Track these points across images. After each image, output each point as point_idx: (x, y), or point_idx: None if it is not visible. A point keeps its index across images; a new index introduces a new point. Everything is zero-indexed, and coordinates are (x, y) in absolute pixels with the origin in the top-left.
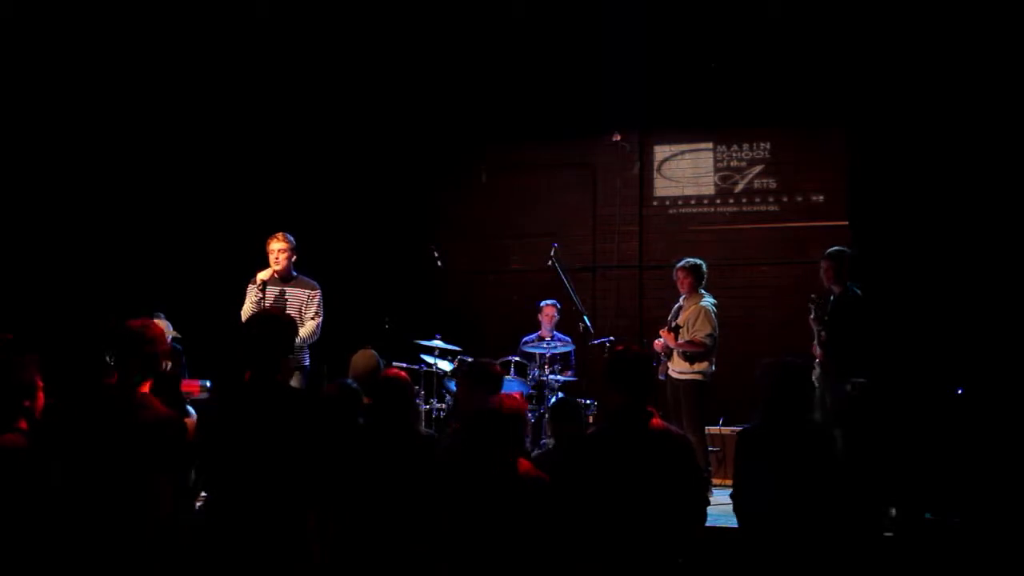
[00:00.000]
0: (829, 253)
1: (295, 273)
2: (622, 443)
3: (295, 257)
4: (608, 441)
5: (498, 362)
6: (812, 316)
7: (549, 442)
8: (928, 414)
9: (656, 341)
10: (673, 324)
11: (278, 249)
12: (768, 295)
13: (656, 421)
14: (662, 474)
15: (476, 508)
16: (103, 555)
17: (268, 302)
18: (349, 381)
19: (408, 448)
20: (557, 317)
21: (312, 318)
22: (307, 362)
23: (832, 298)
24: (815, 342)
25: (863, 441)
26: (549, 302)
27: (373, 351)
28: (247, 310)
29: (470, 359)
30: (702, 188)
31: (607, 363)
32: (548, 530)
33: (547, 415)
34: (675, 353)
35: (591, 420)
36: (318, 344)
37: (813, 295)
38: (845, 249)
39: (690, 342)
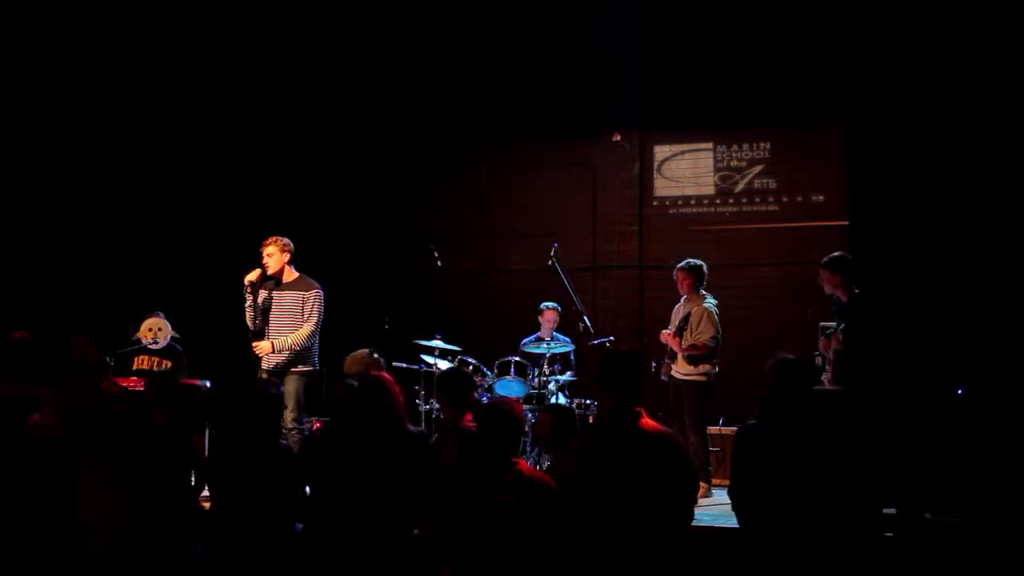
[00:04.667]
0: (827, 262)
1: (295, 273)
2: (613, 443)
3: (288, 258)
4: (599, 442)
5: (497, 362)
6: (831, 328)
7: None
8: (928, 414)
9: (663, 332)
10: (673, 328)
11: (266, 253)
12: (768, 295)
13: (645, 420)
14: (652, 472)
15: (481, 509)
16: None
17: (260, 303)
18: (354, 382)
19: (397, 447)
20: (558, 320)
21: (307, 320)
22: (315, 360)
23: (838, 304)
24: (821, 342)
25: (863, 441)
26: (551, 305)
27: (368, 352)
28: (247, 316)
29: (471, 359)
30: (702, 188)
31: (596, 364)
32: (552, 530)
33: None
34: (679, 355)
35: (591, 420)
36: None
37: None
38: (842, 255)
39: (693, 345)
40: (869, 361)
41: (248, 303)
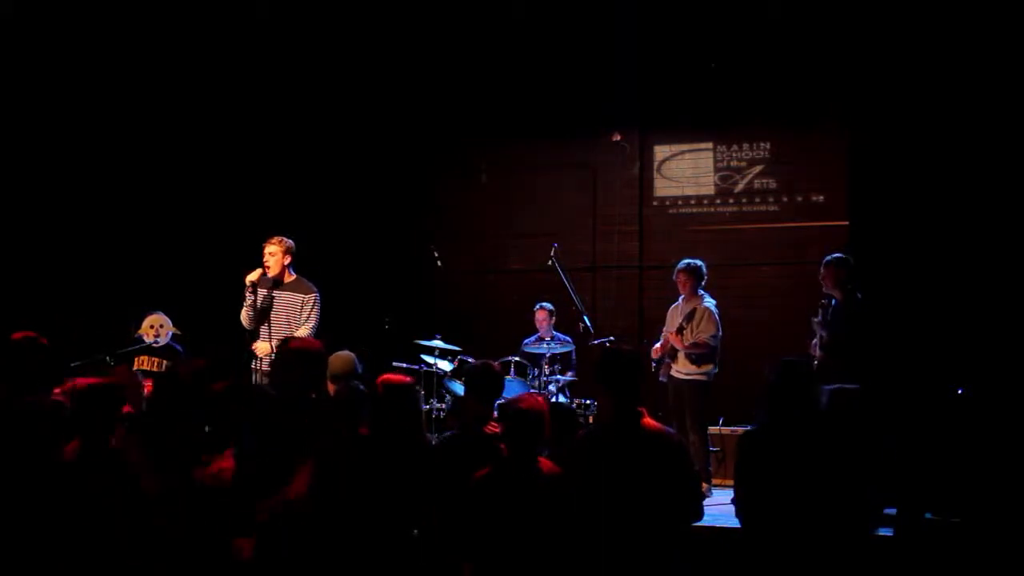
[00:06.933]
0: (829, 260)
1: (293, 275)
2: (614, 443)
3: (290, 260)
4: (600, 442)
5: (498, 362)
6: (819, 319)
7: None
8: (928, 414)
9: (655, 347)
10: (675, 327)
11: (268, 252)
12: (768, 295)
13: (647, 420)
14: (655, 473)
15: (507, 509)
16: None
17: (259, 303)
18: (356, 383)
19: (414, 455)
20: (551, 320)
21: (304, 324)
22: None
23: (834, 303)
24: (814, 343)
25: (864, 442)
26: (541, 305)
27: (351, 353)
28: (244, 314)
29: (471, 359)
30: (702, 188)
31: (596, 364)
32: (570, 526)
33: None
34: (680, 354)
35: (591, 420)
36: None
37: (824, 300)
38: (846, 256)
39: (695, 344)
40: (858, 361)
41: (248, 302)
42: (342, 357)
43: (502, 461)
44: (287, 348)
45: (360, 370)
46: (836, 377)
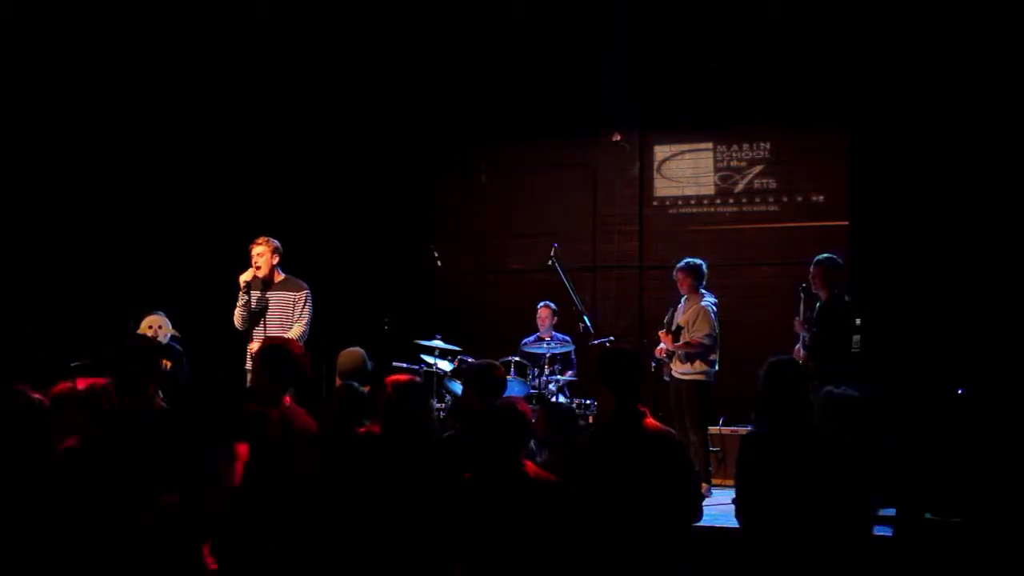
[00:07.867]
0: (820, 260)
1: (282, 274)
2: (615, 443)
3: (278, 259)
4: (601, 442)
5: (498, 362)
6: (800, 317)
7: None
8: (928, 414)
9: (658, 348)
10: (673, 326)
11: (256, 253)
12: (768, 295)
13: (649, 420)
14: (656, 473)
15: (489, 511)
16: None
17: (252, 304)
18: (355, 383)
19: (423, 453)
20: (554, 319)
21: (298, 321)
22: None
23: (818, 304)
24: (798, 345)
25: (862, 442)
26: (542, 304)
27: (360, 349)
28: (237, 315)
29: (470, 359)
30: (702, 188)
31: (597, 364)
32: (559, 531)
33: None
34: (676, 354)
35: (591, 420)
36: (314, 345)
37: (804, 284)
38: (835, 257)
39: (688, 343)
40: (837, 362)
41: (242, 303)
42: (350, 354)
43: (483, 464)
44: (264, 347)
45: (370, 366)
46: (820, 379)
